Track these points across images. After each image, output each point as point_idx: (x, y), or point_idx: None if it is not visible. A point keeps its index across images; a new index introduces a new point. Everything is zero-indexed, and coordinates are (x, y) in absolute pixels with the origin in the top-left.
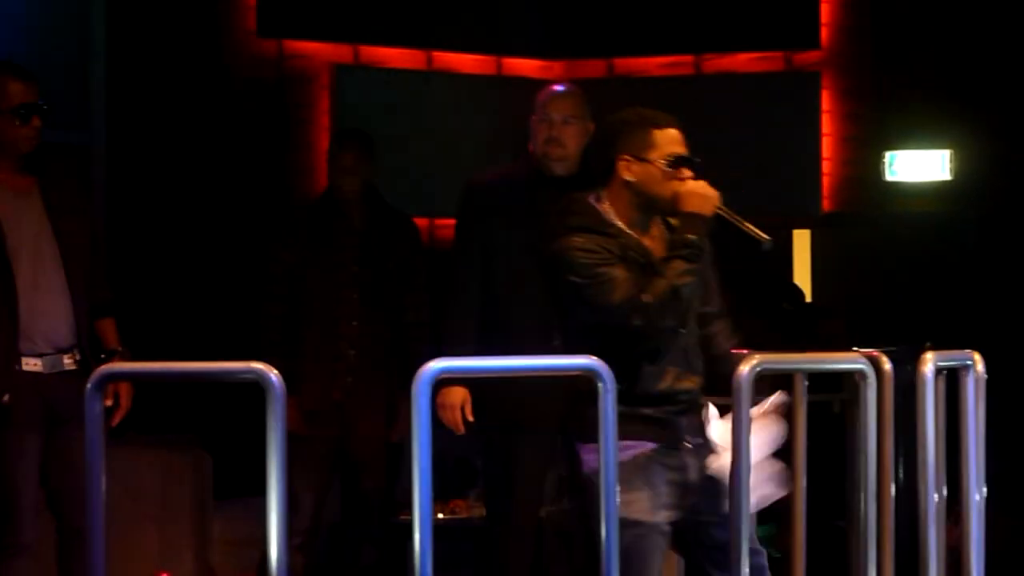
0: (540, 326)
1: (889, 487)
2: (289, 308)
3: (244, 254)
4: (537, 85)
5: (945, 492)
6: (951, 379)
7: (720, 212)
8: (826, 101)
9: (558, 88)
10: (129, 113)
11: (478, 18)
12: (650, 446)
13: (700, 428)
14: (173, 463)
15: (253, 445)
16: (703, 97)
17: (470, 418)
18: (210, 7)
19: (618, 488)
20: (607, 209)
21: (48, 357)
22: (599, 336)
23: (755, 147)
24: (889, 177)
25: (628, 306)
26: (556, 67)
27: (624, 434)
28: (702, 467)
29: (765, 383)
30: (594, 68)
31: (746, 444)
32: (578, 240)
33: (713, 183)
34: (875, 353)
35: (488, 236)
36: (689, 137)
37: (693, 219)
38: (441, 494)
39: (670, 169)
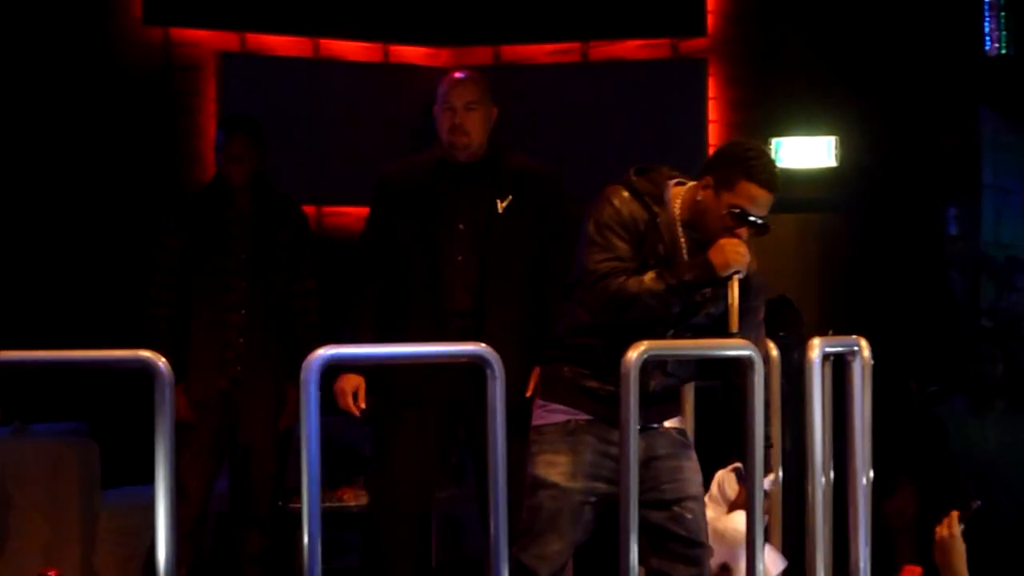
0: (436, 313)
1: (778, 469)
2: (177, 296)
3: (131, 242)
4: (424, 72)
5: (832, 475)
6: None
7: (733, 279)
8: (712, 88)
9: (459, 75)
10: (11, 100)
11: (365, 5)
12: (585, 417)
13: (664, 416)
14: (60, 452)
15: (141, 433)
16: (590, 84)
17: (362, 404)
18: None
19: (542, 448)
20: (676, 192)
21: None
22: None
23: (642, 133)
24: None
25: (599, 278)
26: (443, 54)
27: (562, 400)
28: (648, 449)
29: None
30: (481, 55)
31: (634, 428)
32: (620, 200)
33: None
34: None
35: (392, 224)
36: (576, 123)
37: (707, 266)
38: (328, 482)
39: (729, 217)
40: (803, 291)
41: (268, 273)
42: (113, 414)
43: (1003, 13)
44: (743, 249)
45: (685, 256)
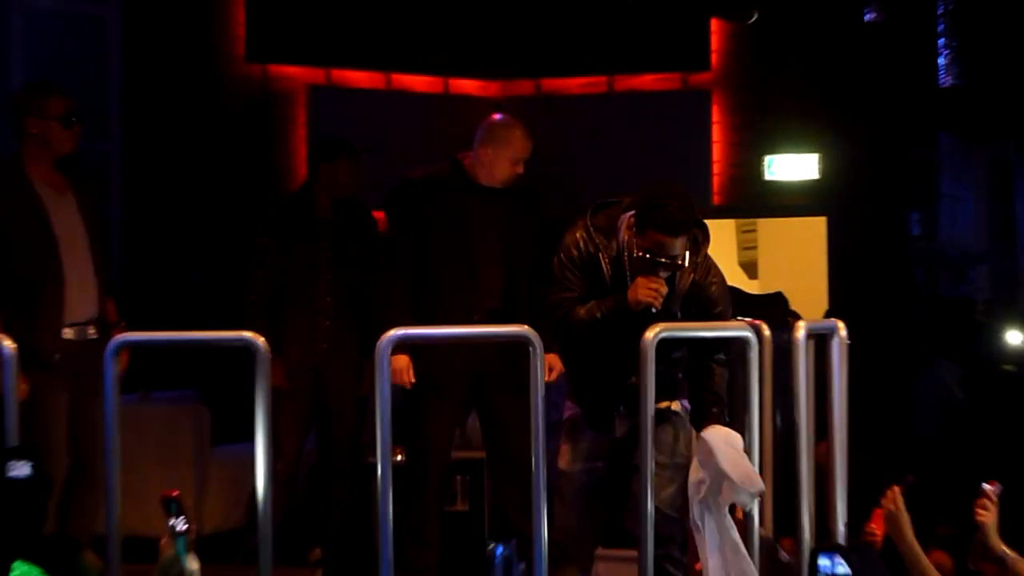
0: (463, 305)
1: (769, 429)
2: (272, 286)
3: (236, 240)
4: (477, 102)
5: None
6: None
7: (651, 307)
8: (715, 113)
9: (520, 130)
10: (140, 126)
11: (429, 44)
12: (582, 411)
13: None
14: (177, 415)
15: (243, 399)
16: (614, 111)
17: (413, 380)
18: (207, 37)
19: (559, 441)
20: (630, 222)
21: (78, 327)
22: None
23: (657, 151)
24: (768, 176)
25: (553, 308)
26: (493, 86)
27: (571, 398)
28: (628, 429)
29: None
30: (524, 87)
31: (650, 400)
32: (574, 239)
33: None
34: (757, 322)
35: (422, 228)
36: (604, 144)
37: (622, 301)
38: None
39: (638, 261)
40: (793, 283)
41: (347, 267)
42: (221, 383)
43: (954, 51)
44: (655, 286)
45: (628, 281)
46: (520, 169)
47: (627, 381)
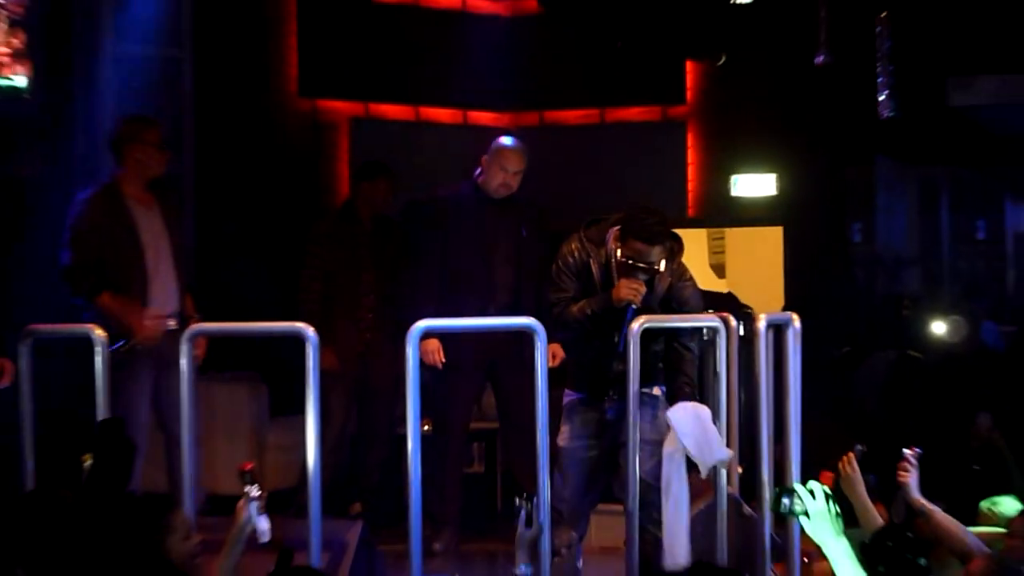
0: (480, 302)
1: (734, 406)
2: (322, 285)
3: (291, 249)
4: (491, 131)
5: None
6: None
7: (632, 304)
8: (690, 140)
9: (512, 144)
10: (210, 151)
11: (451, 83)
12: (577, 396)
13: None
14: (241, 392)
15: (297, 378)
16: (605, 139)
17: (443, 359)
18: (265, 76)
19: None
20: (616, 234)
21: (163, 321)
22: None
23: (642, 171)
24: (733, 193)
25: (550, 306)
26: (504, 118)
27: (569, 386)
28: (617, 412)
29: None
30: (530, 118)
31: (636, 381)
32: (569, 248)
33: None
34: (724, 314)
35: (444, 238)
36: (596, 166)
37: (607, 300)
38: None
39: (621, 266)
40: (755, 282)
41: (384, 269)
42: (278, 365)
43: (891, 88)
44: (635, 286)
45: (615, 283)
46: (512, 179)
47: (614, 368)
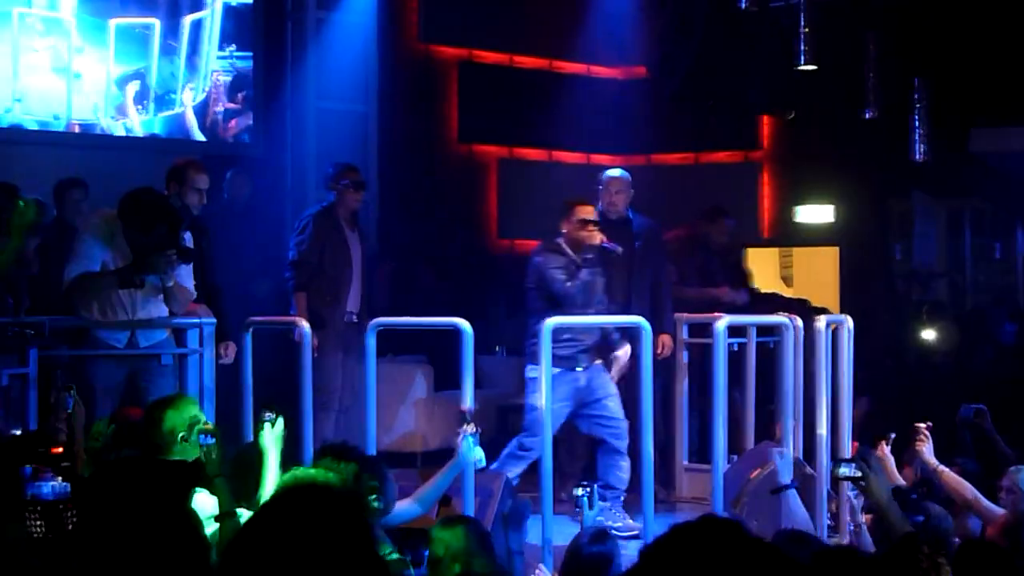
0: (604, 309)
1: (800, 389)
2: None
3: (454, 260)
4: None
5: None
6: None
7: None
8: (764, 177)
9: (614, 174)
10: (390, 186)
11: (576, 131)
12: (557, 369)
13: (595, 356)
14: (413, 371)
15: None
16: (700, 178)
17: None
18: (432, 126)
19: None
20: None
21: (350, 314)
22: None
23: (726, 202)
24: (798, 219)
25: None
26: (618, 159)
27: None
28: (590, 378)
29: None
30: (639, 160)
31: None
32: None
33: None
34: (793, 315)
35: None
36: (690, 198)
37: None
38: None
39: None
40: (816, 291)
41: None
42: (443, 350)
43: (924, 136)
44: (593, 233)
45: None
46: (618, 199)
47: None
